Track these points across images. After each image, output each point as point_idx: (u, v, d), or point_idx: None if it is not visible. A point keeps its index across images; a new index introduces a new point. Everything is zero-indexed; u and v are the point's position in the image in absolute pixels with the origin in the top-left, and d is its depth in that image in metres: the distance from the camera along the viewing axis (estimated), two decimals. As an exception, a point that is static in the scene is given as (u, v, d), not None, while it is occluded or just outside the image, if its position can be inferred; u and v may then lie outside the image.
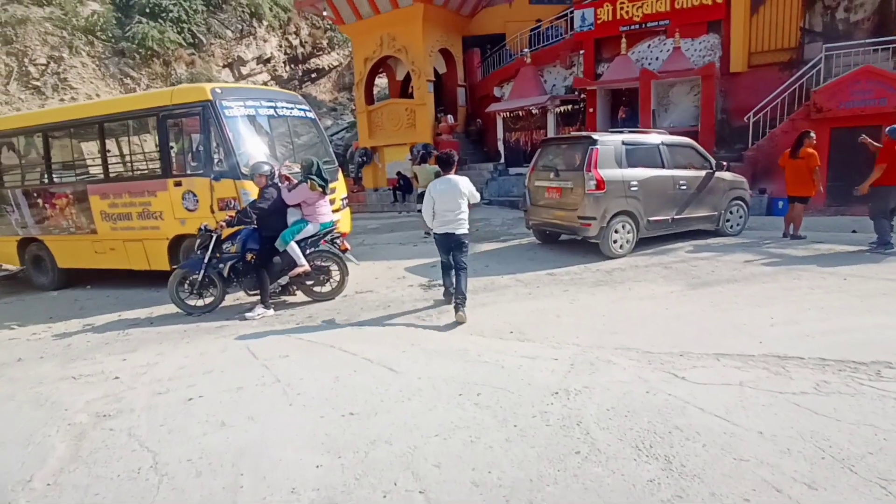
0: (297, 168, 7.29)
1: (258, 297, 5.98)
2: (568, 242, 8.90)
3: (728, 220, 8.80)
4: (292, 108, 8.10)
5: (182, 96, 6.81)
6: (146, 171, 7.39)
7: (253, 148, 6.90)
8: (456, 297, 5.39)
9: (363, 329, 5.14)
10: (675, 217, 8.13)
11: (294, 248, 5.90)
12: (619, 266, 7.17)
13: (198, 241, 5.88)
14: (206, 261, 5.78)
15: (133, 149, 7.46)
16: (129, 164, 7.45)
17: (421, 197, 10.63)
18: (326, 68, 36.49)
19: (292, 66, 33.98)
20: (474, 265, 7.38)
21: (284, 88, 34.53)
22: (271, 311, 5.87)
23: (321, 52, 35.69)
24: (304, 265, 5.98)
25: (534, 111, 15.68)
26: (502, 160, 16.87)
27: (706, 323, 4.82)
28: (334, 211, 7.76)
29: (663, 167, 8.00)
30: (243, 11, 28.47)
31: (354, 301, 6.29)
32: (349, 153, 21.05)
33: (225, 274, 5.89)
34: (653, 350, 4.23)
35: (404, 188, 16.83)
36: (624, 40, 14.06)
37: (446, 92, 19.22)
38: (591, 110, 14.39)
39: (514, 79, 16.96)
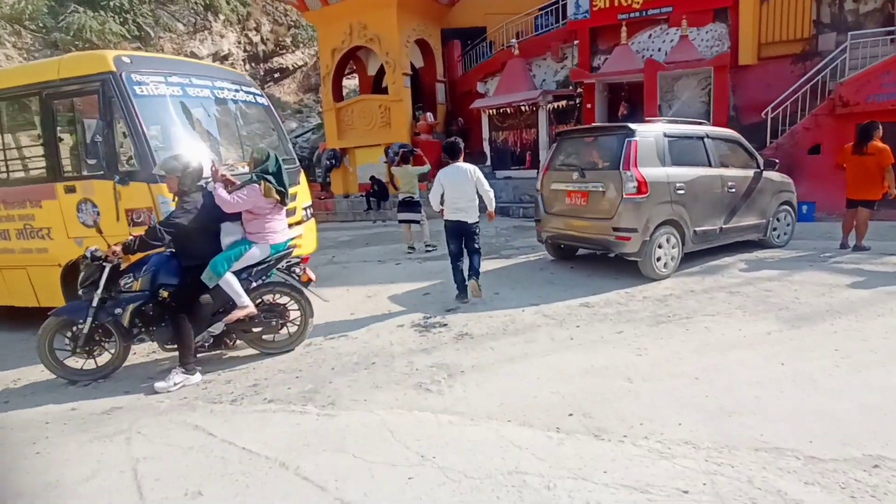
0: (243, 168, 5.42)
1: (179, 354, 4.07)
2: (589, 258, 7.24)
3: (775, 229, 7.29)
4: (236, 90, 6.23)
5: (74, 67, 4.85)
6: (26, 173, 5.39)
7: (176, 139, 5.00)
8: (469, 271, 5.59)
9: (336, 419, 3.26)
10: (724, 226, 6.55)
11: (231, 283, 4.03)
12: (671, 291, 5.52)
13: (82, 274, 3.92)
14: (93, 304, 3.84)
15: (7, 142, 5.40)
16: (2, 164, 5.37)
17: (403, 205, 8.88)
18: (290, 68, 34.33)
19: (253, 64, 31.74)
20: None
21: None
22: (196, 377, 3.96)
23: (284, 51, 33.52)
24: (246, 306, 4.12)
25: (523, 108, 14.09)
26: (488, 162, 15.19)
27: (859, 391, 3.17)
28: (293, 225, 5.91)
29: (710, 165, 6.42)
30: (196, 3, 26.13)
31: (322, 355, 4.43)
32: (316, 156, 19.09)
33: (125, 322, 3.95)
34: (818, 454, 2.56)
35: (379, 194, 14.98)
36: (624, 29, 12.60)
37: (424, 88, 17.48)
38: (588, 106, 12.88)
39: (501, 73, 15.35)
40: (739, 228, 6.76)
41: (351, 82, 26.74)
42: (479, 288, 5.48)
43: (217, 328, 4.20)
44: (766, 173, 6.99)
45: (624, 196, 5.72)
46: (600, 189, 5.98)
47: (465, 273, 5.69)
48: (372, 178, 15.13)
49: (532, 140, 14.51)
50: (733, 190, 6.54)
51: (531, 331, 4.60)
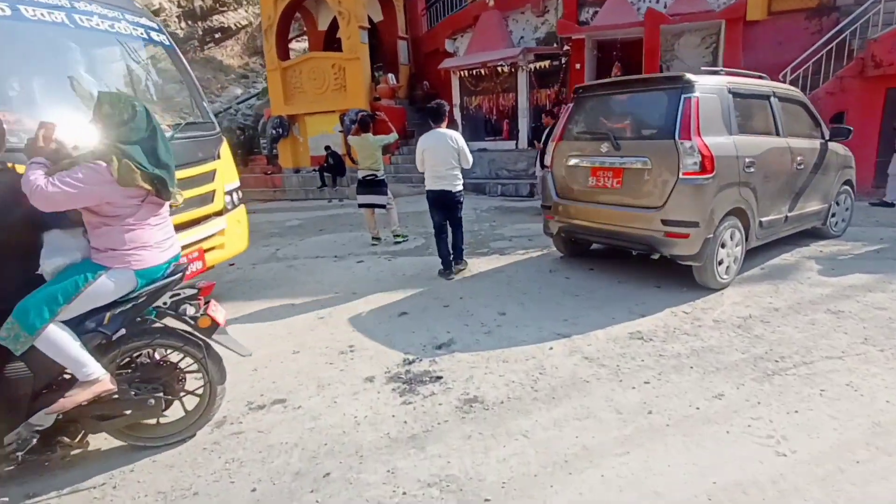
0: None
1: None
2: (609, 255, 5.62)
3: (834, 215, 5.87)
4: (115, 20, 4.20)
5: None
6: None
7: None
8: (453, 252, 5.46)
9: None
10: (789, 214, 5.03)
11: (60, 342, 2.19)
12: (746, 309, 3.96)
13: None
14: None
15: None
16: None
17: (363, 185, 7.01)
18: (233, 27, 31.07)
19: (189, 22, 28.46)
20: (474, 309, 3.98)
21: (181, 49, 29.14)
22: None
23: (225, 8, 30.19)
24: (95, 379, 2.28)
25: (500, 68, 12.24)
26: (459, 132, 13.30)
27: None
28: (205, 220, 4.06)
29: (777, 134, 4.85)
30: (117, -55, 22.61)
31: (240, 448, 2.63)
32: (261, 124, 16.71)
33: None
34: None
35: (335, 168, 12.96)
36: (618, -25, 10.85)
37: (384, 46, 15.33)
38: (577, 66, 11.15)
39: (473, 28, 13.40)
40: (802, 216, 5.27)
41: (301, 45, 24.08)
42: (466, 265, 5.57)
43: (43, 420, 2.33)
44: (830, 144, 5.50)
45: (681, 176, 4.07)
46: (643, 166, 4.30)
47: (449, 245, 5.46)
48: (327, 148, 13.05)
49: (510, 106, 12.72)
50: (801, 167, 5.01)
51: (576, 391, 2.93)
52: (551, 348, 3.49)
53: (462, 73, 13.01)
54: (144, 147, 2.39)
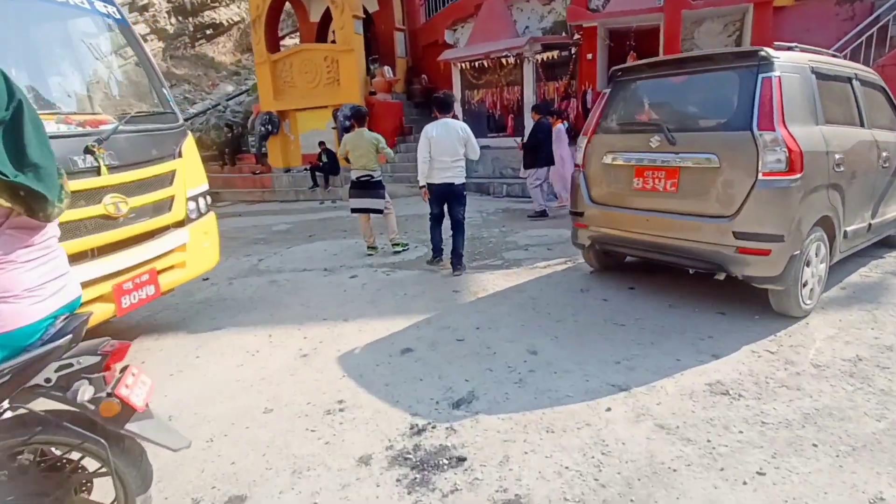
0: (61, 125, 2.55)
1: None
2: (649, 269, 4.74)
3: (906, 220, 5.00)
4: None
5: None
6: None
7: None
8: (452, 257, 5.19)
9: None
10: (872, 222, 4.17)
11: None
12: (849, 348, 3.08)
13: None
14: None
15: None
16: None
17: (358, 187, 6.11)
18: (225, 24, 30.11)
19: (180, 18, 27.53)
20: (496, 344, 3.09)
21: (172, 45, 28.10)
22: None
23: (217, 4, 29.20)
24: None
25: (505, 59, 11.34)
26: (460, 128, 12.42)
27: None
28: (151, 235, 3.20)
29: (861, 124, 3.98)
30: (101, -65, 21.65)
31: None
32: (250, 121, 15.77)
33: None
34: None
35: (328, 167, 12.04)
36: (634, -43, 9.98)
37: (380, 38, 14.41)
38: (588, 56, 10.29)
39: (475, 17, 12.51)
40: (883, 224, 4.41)
41: (293, 42, 23.14)
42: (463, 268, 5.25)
43: None
44: (908, 139, 4.64)
45: (760, 177, 3.20)
46: (707, 164, 3.42)
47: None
48: (321, 144, 12.10)
49: (515, 100, 11.82)
50: (886, 165, 4.15)
51: (663, 490, 2.04)
52: (609, 409, 2.60)
53: (463, 64, 12.10)
54: (4, 137, 1.49)
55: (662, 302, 3.99)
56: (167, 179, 3.80)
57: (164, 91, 4.20)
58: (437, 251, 5.44)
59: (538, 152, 7.87)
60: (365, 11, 13.53)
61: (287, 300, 4.82)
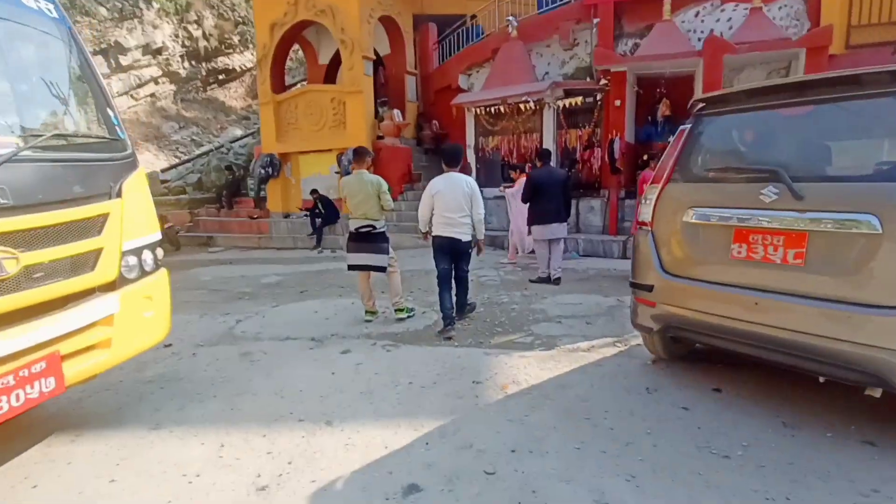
0: None
1: None
2: (731, 362, 3.60)
3: None
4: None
5: None
6: None
7: None
8: (457, 311, 4.88)
9: None
10: None
11: None
12: None
13: None
14: None
15: None
16: None
17: (358, 239, 5.08)
18: (238, 70, 30.20)
19: (193, 62, 27.53)
20: (544, 486, 1.90)
21: (183, 88, 28.01)
22: None
23: (231, 50, 29.36)
24: None
25: (524, 105, 10.58)
26: (473, 177, 11.53)
27: None
28: (58, 305, 2.11)
29: None
30: (124, -15, 21.94)
31: None
32: (252, 164, 15.03)
33: None
34: None
35: (326, 215, 11.11)
36: (667, 3, 9.33)
37: (390, 81, 13.81)
38: (617, 103, 9.49)
39: (492, 62, 11.87)
40: None
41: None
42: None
43: None
44: None
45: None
46: (859, 229, 2.37)
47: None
48: (313, 192, 11.23)
49: (533, 149, 10.97)
50: None
51: None
52: None
53: (478, 110, 11.36)
54: None
55: (771, 417, 2.85)
56: (93, 226, 2.77)
57: (110, 111, 3.23)
58: (449, 320, 4.68)
59: (532, 206, 6.80)
60: (376, 54, 12.99)
61: (257, 384, 3.69)
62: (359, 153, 4.99)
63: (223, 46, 28.85)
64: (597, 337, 4.38)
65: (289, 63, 27.93)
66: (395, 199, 11.83)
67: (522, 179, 7.66)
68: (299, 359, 4.19)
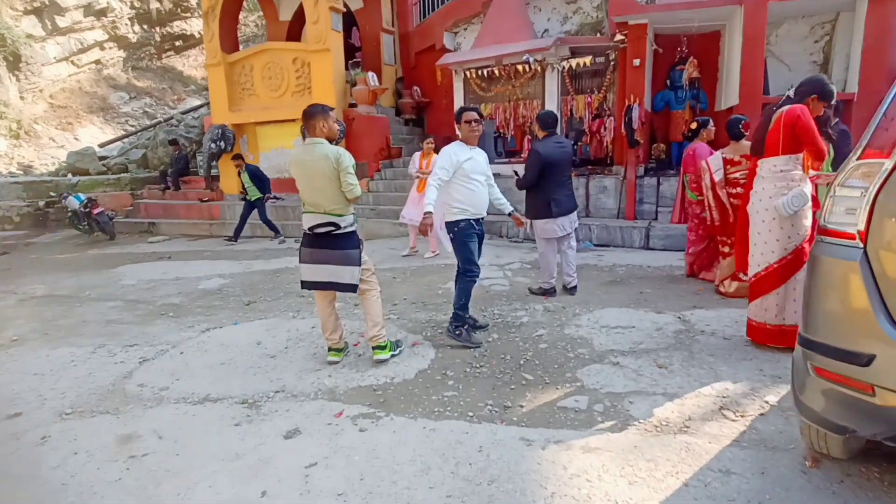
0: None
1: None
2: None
3: None
4: None
5: None
6: None
7: None
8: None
9: None
10: None
11: None
12: None
13: None
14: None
15: None
16: None
17: (314, 241, 3.40)
18: (197, 36, 27.53)
19: (145, 26, 24.90)
20: None
21: (134, 55, 25.31)
22: None
23: (188, 14, 26.69)
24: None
25: (522, 66, 8.89)
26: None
27: None
28: None
29: None
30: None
31: None
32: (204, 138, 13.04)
33: None
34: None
35: (250, 200, 9.20)
36: (696, -63, 7.67)
37: (364, 40, 11.92)
38: (635, 62, 7.85)
39: (483, 16, 10.10)
40: None
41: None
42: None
43: None
44: None
45: None
46: None
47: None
48: (236, 157, 9.21)
49: (532, 118, 9.32)
50: None
51: None
52: None
53: (468, 72, 9.61)
54: None
55: None
56: None
57: None
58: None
59: (538, 192, 4.77)
60: (347, 9, 11.06)
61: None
62: (310, 114, 3.26)
63: (179, 10, 26.22)
64: (685, 393, 2.84)
65: (254, 29, 25.55)
66: (371, 178, 10.10)
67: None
68: (212, 453, 2.55)
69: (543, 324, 4.11)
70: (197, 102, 22.48)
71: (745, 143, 4.27)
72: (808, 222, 3.24)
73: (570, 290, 4.95)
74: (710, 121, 5.15)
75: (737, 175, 4.33)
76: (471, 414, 2.76)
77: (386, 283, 5.59)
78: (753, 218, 3.32)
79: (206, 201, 11.19)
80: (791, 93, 3.21)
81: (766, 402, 2.66)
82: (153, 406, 3.09)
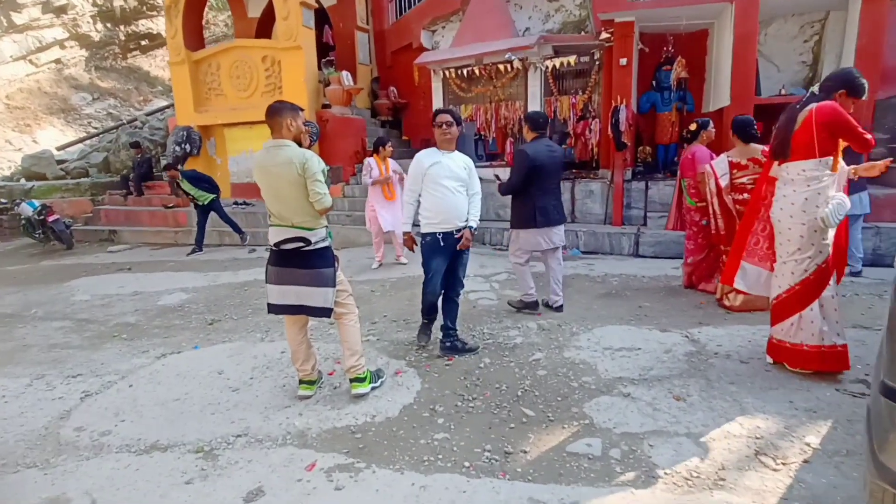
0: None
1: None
2: None
3: None
4: None
5: None
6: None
7: None
8: (442, 329, 3.71)
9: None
10: None
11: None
12: None
13: None
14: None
15: None
16: None
17: (280, 259, 2.93)
18: (164, 35, 26.55)
19: (108, 25, 23.93)
20: None
21: (97, 55, 24.25)
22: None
23: (154, 13, 25.79)
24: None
25: (505, 65, 8.53)
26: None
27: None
28: None
29: None
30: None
31: None
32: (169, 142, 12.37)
33: None
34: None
35: (203, 207, 8.66)
36: (684, -67, 7.42)
37: (338, 38, 11.44)
38: (622, 62, 7.56)
39: (462, 14, 9.73)
40: None
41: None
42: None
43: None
44: None
45: None
46: None
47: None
48: (168, 168, 8.75)
49: (515, 120, 8.98)
50: None
51: None
52: None
53: (447, 72, 9.21)
54: None
55: None
56: None
57: None
58: (428, 325, 3.89)
59: (523, 199, 4.30)
60: (320, 5, 10.58)
61: None
62: (274, 111, 2.81)
63: (145, 8, 25.30)
64: (710, 432, 2.48)
65: (224, 29, 24.76)
66: (346, 183, 9.60)
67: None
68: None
69: (539, 345, 3.73)
70: (164, 103, 21.67)
71: (755, 146, 3.96)
72: (833, 234, 2.93)
73: (556, 310, 4.54)
74: (711, 122, 4.84)
75: (743, 180, 4.02)
76: (467, 464, 2.35)
77: (363, 297, 5.15)
78: (778, 226, 3.00)
79: (170, 207, 10.55)
80: (816, 89, 2.89)
81: (808, 445, 2.31)
82: (90, 457, 2.61)
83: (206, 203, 8.34)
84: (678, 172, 5.03)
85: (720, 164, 4.05)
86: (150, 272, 7.34)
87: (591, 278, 5.69)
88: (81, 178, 13.39)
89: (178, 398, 3.21)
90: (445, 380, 3.27)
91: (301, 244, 2.77)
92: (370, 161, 6.58)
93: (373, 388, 3.08)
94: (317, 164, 2.72)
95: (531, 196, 4.23)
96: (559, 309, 4.51)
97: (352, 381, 3.04)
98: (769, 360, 3.17)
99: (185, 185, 8.20)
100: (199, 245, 8.57)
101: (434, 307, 3.77)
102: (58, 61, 21.83)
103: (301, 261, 2.82)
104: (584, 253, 7.29)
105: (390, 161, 6.61)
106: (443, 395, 3.06)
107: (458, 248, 3.60)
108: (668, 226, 5.16)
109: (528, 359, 3.50)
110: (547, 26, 9.62)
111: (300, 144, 2.87)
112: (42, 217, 9.66)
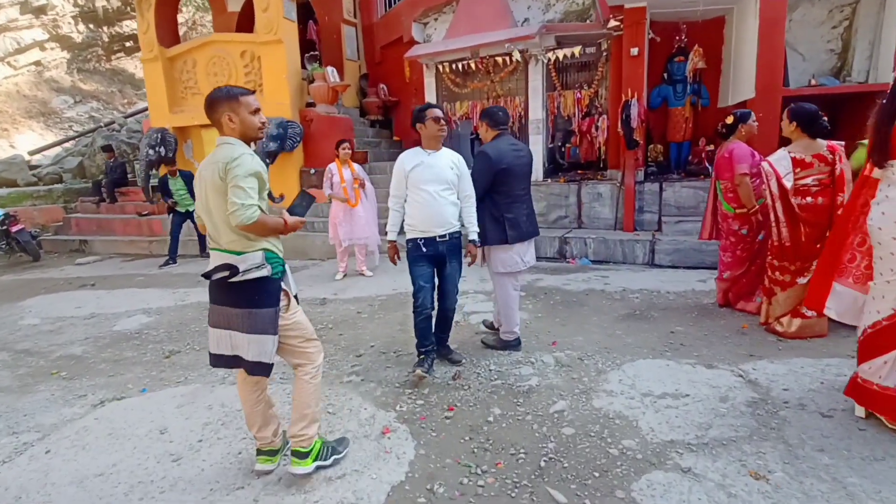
0: None
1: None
2: None
3: None
4: None
5: None
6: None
7: None
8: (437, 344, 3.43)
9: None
10: None
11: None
12: None
13: None
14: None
15: None
16: None
17: (215, 291, 2.19)
18: (148, 35, 25.60)
19: (91, 26, 23.21)
20: None
21: (79, 56, 23.44)
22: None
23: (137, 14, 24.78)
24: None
25: (505, 58, 7.83)
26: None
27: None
28: None
29: None
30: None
31: None
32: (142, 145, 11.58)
33: None
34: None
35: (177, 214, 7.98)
36: None
37: (323, 32, 10.71)
38: (633, 52, 6.87)
39: (455, 4, 9.04)
40: None
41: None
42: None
43: None
44: None
45: None
46: None
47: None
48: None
49: (515, 117, 8.28)
50: None
51: None
52: None
53: (441, 66, 8.51)
54: None
55: None
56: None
57: None
58: (429, 355, 3.33)
59: (488, 208, 3.45)
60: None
61: None
62: (210, 102, 2.10)
63: (128, 8, 24.49)
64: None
65: (212, 30, 23.99)
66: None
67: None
68: None
69: (560, 389, 3.02)
70: (144, 105, 20.93)
71: (821, 142, 3.28)
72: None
73: (512, 345, 3.68)
74: (752, 114, 4.13)
75: (807, 181, 3.32)
76: None
77: (348, 321, 4.44)
78: (877, 235, 2.32)
79: (145, 215, 9.81)
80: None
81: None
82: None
83: (186, 210, 7.69)
84: (713, 174, 4.33)
85: (782, 161, 3.34)
86: (114, 289, 6.60)
87: (607, 295, 4.99)
88: (55, 184, 12.62)
89: (101, 472, 2.49)
90: (446, 441, 2.56)
91: (227, 272, 2.04)
92: (331, 167, 5.95)
93: (318, 468, 2.32)
94: (246, 166, 1.97)
95: (497, 205, 3.41)
96: (516, 345, 3.69)
97: (293, 452, 2.29)
98: (859, 411, 2.49)
99: (177, 183, 7.68)
100: (172, 256, 7.85)
101: (428, 330, 3.28)
102: (38, 63, 21.08)
103: (231, 297, 2.10)
104: (593, 262, 6.61)
105: (355, 166, 6.03)
106: (443, 467, 2.35)
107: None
108: (703, 235, 4.47)
109: (548, 409, 2.80)
110: (548, 16, 8.94)
111: (249, 142, 2.16)
112: (5, 227, 8.92)
